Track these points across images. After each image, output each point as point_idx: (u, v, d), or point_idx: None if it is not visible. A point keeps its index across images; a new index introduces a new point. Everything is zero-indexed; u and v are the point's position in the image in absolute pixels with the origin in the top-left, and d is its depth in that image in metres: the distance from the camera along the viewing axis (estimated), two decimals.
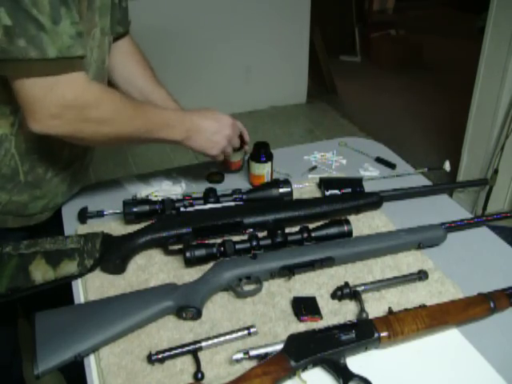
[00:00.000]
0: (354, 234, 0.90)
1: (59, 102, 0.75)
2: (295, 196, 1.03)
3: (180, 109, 1.06)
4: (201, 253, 0.85)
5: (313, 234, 0.89)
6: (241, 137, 1.09)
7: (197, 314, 0.75)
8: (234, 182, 1.13)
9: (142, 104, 0.92)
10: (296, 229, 0.91)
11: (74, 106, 0.76)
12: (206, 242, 0.88)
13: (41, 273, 0.82)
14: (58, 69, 0.73)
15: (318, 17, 3.76)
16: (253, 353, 0.68)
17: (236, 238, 0.90)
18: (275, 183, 1.02)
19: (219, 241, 0.87)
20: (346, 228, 0.91)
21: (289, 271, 0.82)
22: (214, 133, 0.98)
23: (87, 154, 1.04)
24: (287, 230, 0.90)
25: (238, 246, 0.86)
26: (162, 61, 3.02)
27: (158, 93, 1.09)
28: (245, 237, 0.89)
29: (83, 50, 0.75)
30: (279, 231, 0.88)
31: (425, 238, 0.90)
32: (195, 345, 0.70)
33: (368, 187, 1.05)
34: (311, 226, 0.92)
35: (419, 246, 0.90)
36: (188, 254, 0.85)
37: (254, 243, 0.87)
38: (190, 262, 0.86)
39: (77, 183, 1.04)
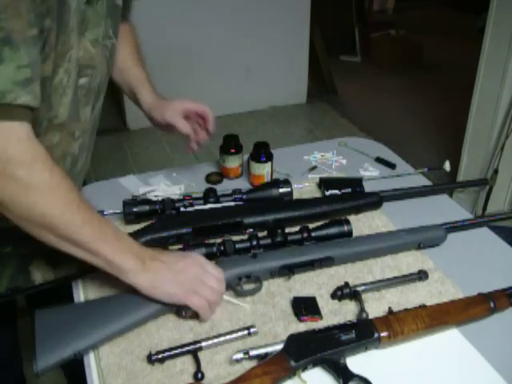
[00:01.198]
0: (354, 233, 0.90)
1: None
2: (295, 196, 1.03)
3: None
4: (201, 252, 0.85)
5: (313, 234, 0.89)
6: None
7: (196, 313, 0.75)
8: (233, 182, 1.13)
9: (96, 214, 0.74)
10: (296, 228, 0.91)
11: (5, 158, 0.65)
12: (206, 241, 0.88)
13: (41, 273, 0.82)
14: None
15: (318, 17, 3.76)
16: (253, 353, 0.68)
17: (236, 238, 0.90)
18: (275, 183, 1.02)
19: (219, 240, 0.87)
20: (345, 228, 0.91)
21: (288, 271, 0.82)
22: (178, 270, 0.76)
23: None
24: (287, 230, 0.90)
25: (237, 246, 0.86)
26: (162, 61, 3.02)
27: (136, 70, 1.06)
28: (245, 236, 0.89)
29: (30, 99, 0.65)
30: (279, 231, 0.88)
31: (425, 238, 0.90)
32: (195, 345, 0.70)
33: (368, 187, 1.05)
34: (311, 225, 0.92)
35: (419, 246, 0.90)
36: None
37: (254, 242, 0.87)
38: None
39: None
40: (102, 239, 0.71)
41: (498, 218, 1.01)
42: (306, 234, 0.89)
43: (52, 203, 0.68)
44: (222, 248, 0.86)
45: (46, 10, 0.67)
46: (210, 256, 0.85)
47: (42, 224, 0.69)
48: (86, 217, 0.70)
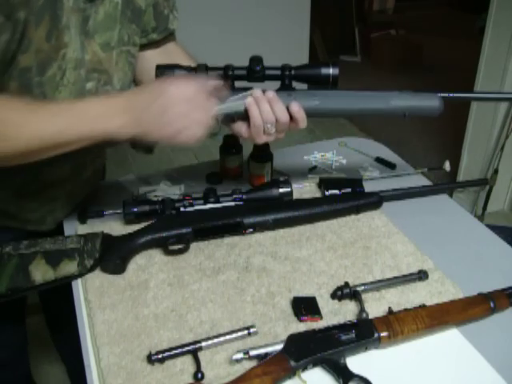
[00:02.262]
0: (354, 233, 0.90)
1: None
2: (295, 196, 1.03)
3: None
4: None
5: (244, 197, 0.95)
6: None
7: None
8: (233, 182, 1.13)
9: (43, 104, 0.75)
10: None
11: None
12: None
13: (41, 273, 0.82)
14: None
15: (318, 17, 3.76)
16: (253, 353, 0.68)
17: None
18: (275, 183, 1.02)
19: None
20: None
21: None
22: (161, 111, 0.74)
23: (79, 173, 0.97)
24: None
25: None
26: None
27: None
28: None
29: None
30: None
31: (414, 104, 0.85)
32: (195, 345, 0.70)
33: (368, 187, 1.05)
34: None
35: (404, 116, 0.86)
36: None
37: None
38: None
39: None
40: (79, 125, 0.73)
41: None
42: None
43: (11, 136, 0.71)
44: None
45: (20, 3, 0.68)
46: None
47: (21, 156, 0.73)
48: (45, 115, 0.72)
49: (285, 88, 0.84)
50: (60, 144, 0.74)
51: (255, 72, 0.81)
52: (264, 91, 0.81)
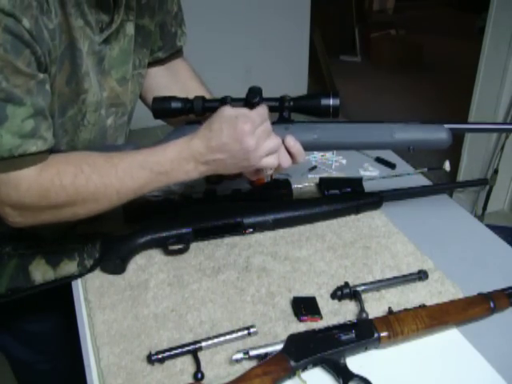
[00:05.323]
0: (354, 233, 0.90)
1: (6, 202, 0.69)
2: (295, 196, 1.03)
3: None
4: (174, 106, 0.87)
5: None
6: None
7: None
8: (233, 182, 1.13)
9: (118, 161, 0.74)
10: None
11: (20, 204, 0.70)
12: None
13: (41, 273, 0.82)
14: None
15: (318, 17, 3.76)
16: (253, 353, 0.68)
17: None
18: (275, 183, 1.02)
19: None
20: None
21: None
22: (232, 155, 0.74)
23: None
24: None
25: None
26: None
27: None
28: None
29: (40, 145, 0.68)
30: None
31: (419, 138, 0.82)
32: (195, 345, 0.70)
33: (368, 187, 1.05)
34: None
35: (409, 150, 0.83)
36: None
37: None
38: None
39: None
40: (150, 180, 0.74)
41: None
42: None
43: (82, 206, 0.73)
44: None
45: (48, 55, 0.69)
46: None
47: (95, 213, 0.76)
48: (119, 185, 0.73)
49: (283, 120, 0.81)
50: (138, 195, 0.77)
51: (253, 104, 0.77)
52: None
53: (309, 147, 0.81)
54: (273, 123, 0.79)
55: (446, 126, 0.82)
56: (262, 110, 0.76)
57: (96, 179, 0.72)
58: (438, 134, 0.82)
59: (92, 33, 0.77)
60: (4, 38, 0.61)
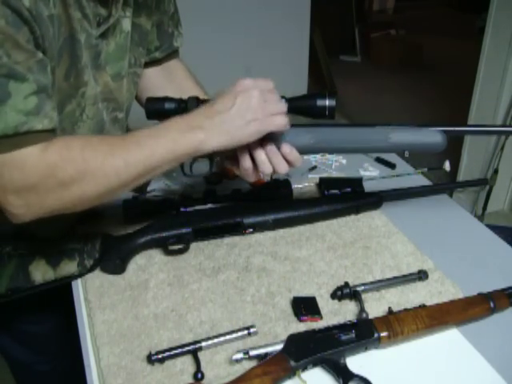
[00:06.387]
0: (354, 233, 0.90)
1: (9, 188, 0.66)
2: (295, 196, 1.03)
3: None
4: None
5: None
6: None
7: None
8: (233, 182, 1.13)
9: (120, 138, 0.75)
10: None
11: (25, 186, 0.66)
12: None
13: (41, 273, 0.82)
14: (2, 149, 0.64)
15: (318, 17, 3.76)
16: (253, 353, 0.68)
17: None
18: (275, 183, 1.02)
19: None
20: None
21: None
22: (239, 104, 0.72)
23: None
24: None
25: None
26: None
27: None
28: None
29: (47, 123, 0.66)
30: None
31: (414, 141, 0.82)
32: (195, 345, 0.70)
33: (368, 187, 1.05)
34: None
35: (404, 154, 0.83)
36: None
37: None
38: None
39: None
40: (162, 153, 0.72)
41: None
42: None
43: (91, 182, 0.69)
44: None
45: (49, 48, 0.68)
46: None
47: (102, 195, 0.72)
48: (125, 154, 0.71)
49: None
50: (148, 169, 0.73)
51: None
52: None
53: (305, 151, 0.81)
54: None
55: (441, 128, 0.82)
56: (267, 80, 0.76)
57: (104, 149, 0.70)
58: (433, 137, 0.82)
59: (89, 26, 0.77)
60: (4, 11, 0.60)
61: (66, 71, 0.74)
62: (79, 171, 0.68)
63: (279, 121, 0.74)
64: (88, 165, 0.69)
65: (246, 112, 0.72)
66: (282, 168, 0.78)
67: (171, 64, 1.03)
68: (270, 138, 0.77)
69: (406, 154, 0.82)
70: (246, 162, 0.78)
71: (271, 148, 0.78)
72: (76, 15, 0.73)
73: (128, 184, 0.73)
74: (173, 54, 1.02)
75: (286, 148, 0.78)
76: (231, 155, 0.80)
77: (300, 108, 0.79)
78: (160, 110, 0.81)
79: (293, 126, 0.80)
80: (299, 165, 0.80)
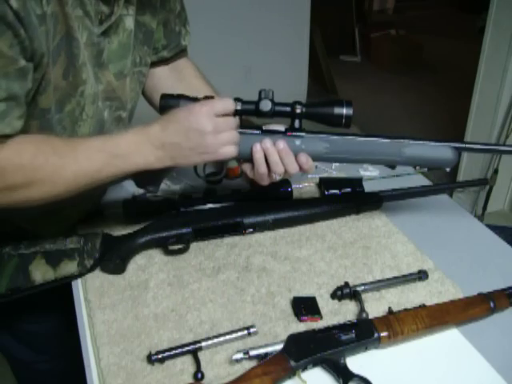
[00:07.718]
0: (354, 233, 0.90)
1: None
2: (295, 196, 1.03)
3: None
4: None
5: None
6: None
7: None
8: (233, 182, 1.13)
9: (76, 145, 0.74)
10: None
11: None
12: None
13: (41, 273, 0.82)
14: None
15: (318, 17, 3.76)
16: (253, 353, 0.68)
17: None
18: (275, 183, 1.02)
19: None
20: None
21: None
22: (188, 137, 0.74)
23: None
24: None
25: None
26: None
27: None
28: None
29: (6, 130, 0.66)
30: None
31: (427, 157, 0.81)
32: (195, 345, 0.70)
33: (368, 187, 1.05)
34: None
35: (415, 168, 0.84)
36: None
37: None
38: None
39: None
40: (110, 164, 0.74)
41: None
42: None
43: (38, 188, 0.71)
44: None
45: (39, 45, 0.67)
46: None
47: (49, 199, 0.73)
48: (76, 167, 0.72)
49: (293, 129, 0.80)
50: (96, 182, 0.75)
51: (265, 114, 0.78)
52: (273, 133, 0.79)
53: (317, 160, 0.82)
54: (284, 132, 0.80)
55: (454, 145, 0.82)
56: (227, 103, 0.77)
57: (55, 160, 0.71)
58: (445, 154, 0.81)
59: (91, 24, 0.77)
60: None
61: (63, 70, 0.74)
62: (27, 178, 0.70)
63: (229, 152, 0.76)
64: (37, 173, 0.70)
65: (198, 147, 0.74)
66: (294, 168, 0.79)
67: (180, 63, 1.03)
68: (282, 140, 0.78)
69: (418, 168, 0.83)
70: (261, 167, 0.79)
71: (283, 148, 0.78)
72: (76, 13, 0.73)
73: (76, 192, 0.75)
74: (181, 52, 1.02)
75: (303, 158, 0.79)
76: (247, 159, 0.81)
77: (316, 115, 0.79)
78: (175, 107, 0.80)
79: (308, 132, 0.80)
80: (311, 172, 0.82)
